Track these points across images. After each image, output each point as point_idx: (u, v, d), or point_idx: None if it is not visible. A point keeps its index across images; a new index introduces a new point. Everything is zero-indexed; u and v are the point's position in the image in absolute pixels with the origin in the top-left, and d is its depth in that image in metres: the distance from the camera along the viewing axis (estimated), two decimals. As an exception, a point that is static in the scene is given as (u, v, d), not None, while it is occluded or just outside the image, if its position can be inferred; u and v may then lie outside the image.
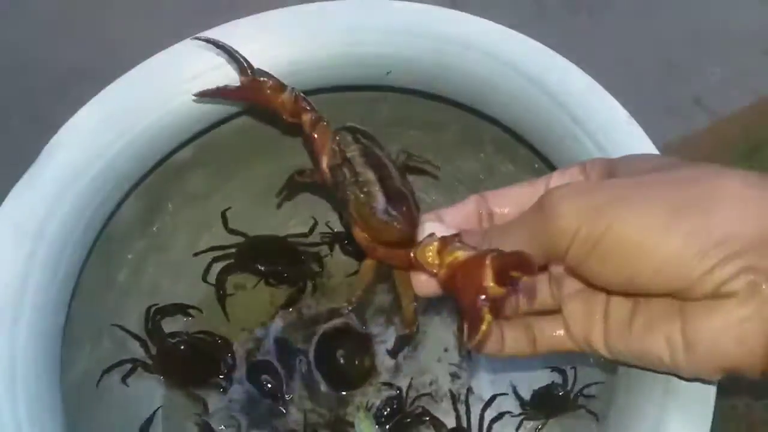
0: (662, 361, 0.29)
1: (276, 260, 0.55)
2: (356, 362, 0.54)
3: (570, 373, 0.50)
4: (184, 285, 0.54)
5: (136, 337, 0.50)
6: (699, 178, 0.28)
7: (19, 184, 0.38)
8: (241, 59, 0.37)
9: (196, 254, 0.54)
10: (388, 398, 0.53)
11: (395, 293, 0.39)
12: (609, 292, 0.32)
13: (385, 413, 0.53)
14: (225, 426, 0.53)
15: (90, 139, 0.39)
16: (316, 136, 0.36)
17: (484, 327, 0.26)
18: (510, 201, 0.34)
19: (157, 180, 0.45)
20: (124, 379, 0.49)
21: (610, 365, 0.37)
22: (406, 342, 0.43)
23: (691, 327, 0.28)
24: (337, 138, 0.35)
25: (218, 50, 0.38)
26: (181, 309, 0.53)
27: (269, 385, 0.53)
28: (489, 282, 0.26)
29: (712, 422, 0.33)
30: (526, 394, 0.52)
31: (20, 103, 0.66)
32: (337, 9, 0.41)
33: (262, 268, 0.55)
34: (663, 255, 0.27)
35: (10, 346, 0.35)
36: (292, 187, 0.46)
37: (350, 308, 0.37)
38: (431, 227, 0.33)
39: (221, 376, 0.53)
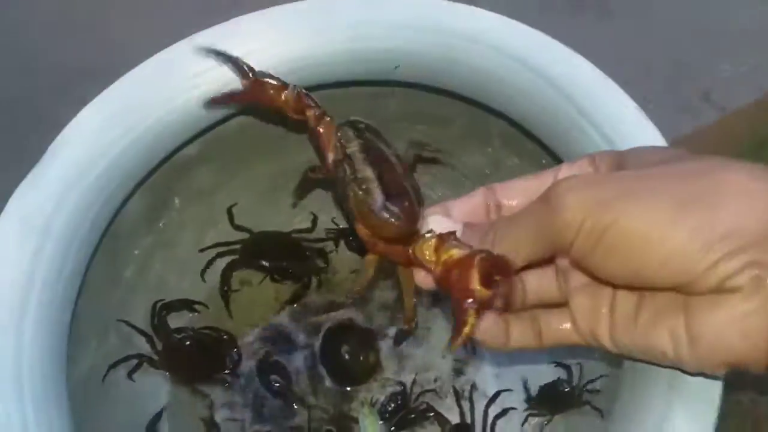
0: (666, 356, 0.29)
1: (281, 256, 0.55)
2: (361, 358, 0.54)
3: (575, 369, 0.50)
4: (190, 281, 0.54)
5: (142, 332, 0.50)
6: (705, 171, 0.28)
7: (24, 183, 0.38)
8: (241, 64, 0.37)
9: (201, 250, 0.54)
10: (392, 394, 0.54)
11: (399, 289, 0.39)
12: (614, 286, 0.32)
13: (390, 409, 0.53)
14: (230, 420, 0.53)
15: (94, 137, 0.39)
16: (321, 131, 0.36)
17: (467, 330, 0.27)
18: (518, 193, 0.34)
19: (163, 177, 0.45)
20: (130, 375, 0.49)
21: (616, 359, 0.37)
22: (405, 337, 0.43)
23: (695, 321, 0.28)
24: (339, 134, 0.35)
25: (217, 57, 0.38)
26: (187, 305, 0.53)
27: (278, 385, 0.53)
28: (476, 285, 0.26)
29: (717, 417, 0.33)
30: (532, 391, 0.52)
31: (24, 102, 0.66)
32: (342, 4, 0.41)
33: (267, 264, 0.55)
34: (668, 249, 0.27)
35: (17, 342, 0.35)
36: (305, 185, 0.46)
37: (350, 301, 0.37)
38: (436, 221, 0.33)
39: (226, 372, 0.53)
